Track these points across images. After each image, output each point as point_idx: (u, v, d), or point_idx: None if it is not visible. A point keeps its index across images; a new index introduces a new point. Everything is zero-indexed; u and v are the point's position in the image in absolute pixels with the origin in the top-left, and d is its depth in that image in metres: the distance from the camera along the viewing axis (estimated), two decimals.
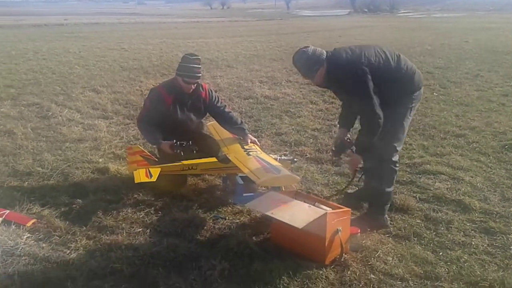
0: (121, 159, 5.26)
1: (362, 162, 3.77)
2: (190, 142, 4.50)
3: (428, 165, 5.15)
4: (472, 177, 4.86)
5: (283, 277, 3.01)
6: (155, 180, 4.06)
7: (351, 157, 3.77)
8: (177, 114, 4.60)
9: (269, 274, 3.04)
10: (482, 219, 3.93)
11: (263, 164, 3.97)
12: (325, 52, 3.54)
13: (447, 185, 4.64)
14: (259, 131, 6.59)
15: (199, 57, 4.59)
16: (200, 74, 4.57)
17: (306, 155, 5.57)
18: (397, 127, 3.62)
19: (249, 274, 3.07)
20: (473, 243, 3.53)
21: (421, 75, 3.71)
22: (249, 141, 4.60)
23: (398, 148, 3.73)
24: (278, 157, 4.48)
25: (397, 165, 3.79)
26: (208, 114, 4.94)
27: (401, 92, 3.58)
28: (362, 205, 4.06)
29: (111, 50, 16.24)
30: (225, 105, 4.87)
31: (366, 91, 3.38)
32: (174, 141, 4.37)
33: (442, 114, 7.60)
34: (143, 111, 4.69)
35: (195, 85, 4.58)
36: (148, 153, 4.33)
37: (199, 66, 4.53)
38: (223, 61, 13.83)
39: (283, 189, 4.17)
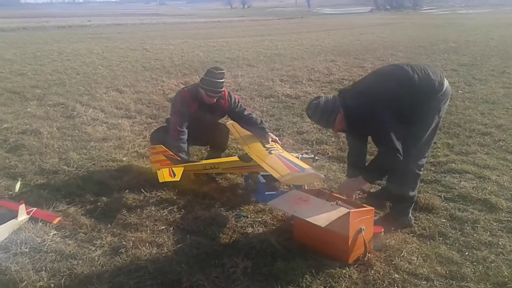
0: (144, 158, 5.32)
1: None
2: None
3: (453, 164, 5.06)
4: (498, 176, 4.75)
5: (305, 276, 3.00)
6: (179, 179, 4.11)
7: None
8: (197, 121, 4.63)
9: (291, 272, 3.04)
10: (509, 218, 3.84)
11: (286, 162, 3.97)
12: (336, 98, 3.49)
13: (473, 184, 4.55)
14: (280, 130, 6.59)
15: (224, 70, 4.60)
16: (223, 88, 4.60)
17: (328, 154, 5.54)
18: (427, 133, 3.52)
19: (272, 273, 3.07)
20: (500, 243, 3.45)
21: (438, 72, 3.51)
22: (270, 139, 4.61)
23: (426, 154, 3.67)
24: (300, 156, 4.47)
25: (422, 169, 3.72)
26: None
27: (425, 101, 3.43)
28: (386, 205, 4.01)
29: (134, 51, 16.44)
30: (245, 108, 4.89)
31: (385, 129, 3.34)
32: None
33: (467, 112, 7.46)
34: (176, 119, 4.57)
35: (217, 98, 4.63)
36: (171, 153, 4.37)
37: (223, 80, 4.55)
38: (244, 60, 13.86)
39: (307, 187, 4.16)
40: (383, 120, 3.34)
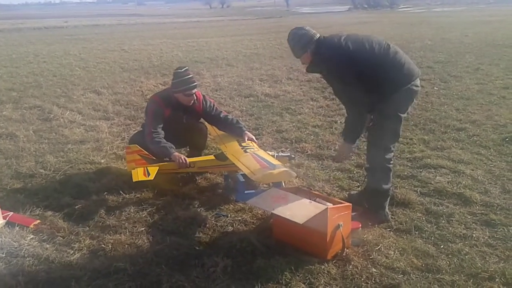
0: (122, 160, 5.28)
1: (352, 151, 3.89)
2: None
3: (428, 159, 5.16)
4: (472, 170, 4.87)
5: (285, 273, 3.03)
6: (152, 178, 4.11)
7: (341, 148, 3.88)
8: (173, 125, 4.62)
9: (271, 270, 3.06)
10: (483, 211, 3.94)
11: (259, 160, 3.98)
12: (315, 38, 3.60)
13: (448, 178, 4.65)
14: (260, 129, 6.61)
15: (187, 67, 4.67)
16: (196, 82, 4.62)
17: (307, 152, 5.58)
18: (391, 127, 3.60)
19: (252, 271, 3.09)
20: (474, 235, 3.54)
21: (414, 68, 3.59)
22: (246, 138, 4.61)
23: (392, 148, 3.73)
24: (276, 154, 4.49)
25: (391, 162, 3.77)
26: None
27: (391, 84, 3.51)
28: (364, 205, 4.06)
29: (112, 52, 16.28)
30: (221, 111, 4.89)
31: (348, 78, 3.49)
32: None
33: (442, 108, 7.60)
34: (150, 123, 4.54)
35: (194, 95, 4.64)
36: (146, 152, 4.35)
37: (191, 75, 4.61)
38: (223, 60, 13.84)
39: (285, 184, 4.18)
40: (344, 77, 3.51)
